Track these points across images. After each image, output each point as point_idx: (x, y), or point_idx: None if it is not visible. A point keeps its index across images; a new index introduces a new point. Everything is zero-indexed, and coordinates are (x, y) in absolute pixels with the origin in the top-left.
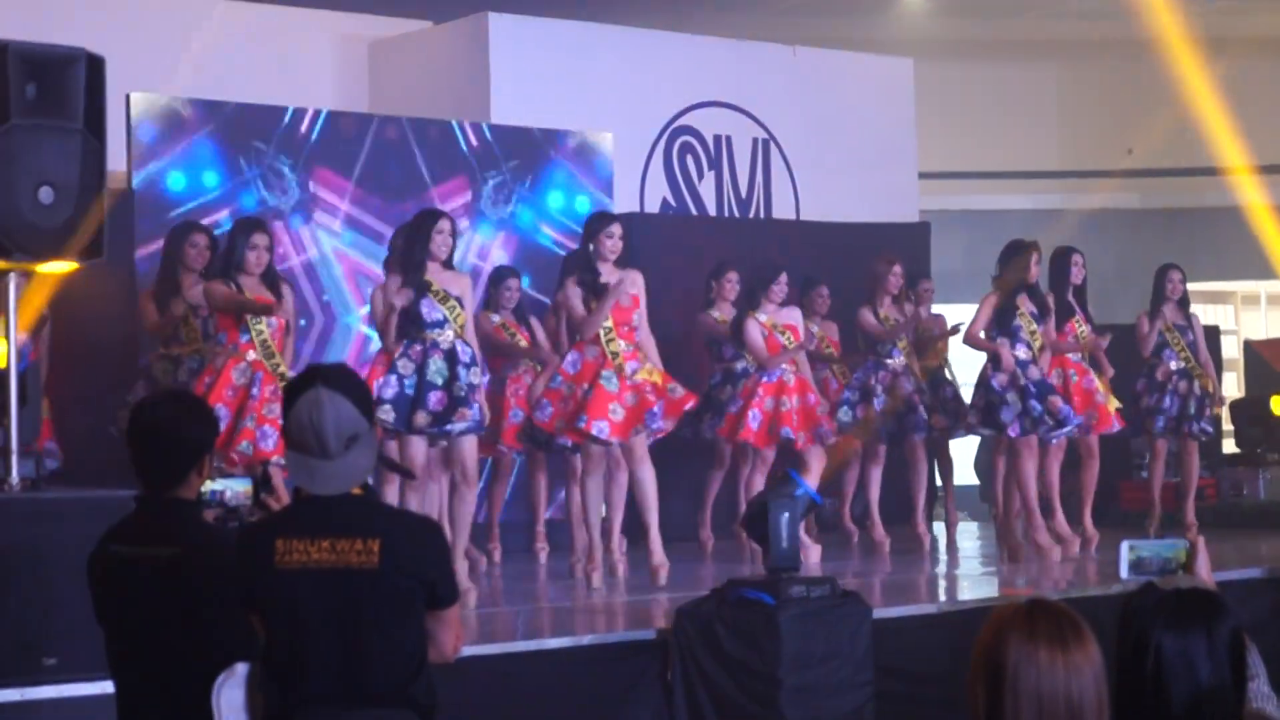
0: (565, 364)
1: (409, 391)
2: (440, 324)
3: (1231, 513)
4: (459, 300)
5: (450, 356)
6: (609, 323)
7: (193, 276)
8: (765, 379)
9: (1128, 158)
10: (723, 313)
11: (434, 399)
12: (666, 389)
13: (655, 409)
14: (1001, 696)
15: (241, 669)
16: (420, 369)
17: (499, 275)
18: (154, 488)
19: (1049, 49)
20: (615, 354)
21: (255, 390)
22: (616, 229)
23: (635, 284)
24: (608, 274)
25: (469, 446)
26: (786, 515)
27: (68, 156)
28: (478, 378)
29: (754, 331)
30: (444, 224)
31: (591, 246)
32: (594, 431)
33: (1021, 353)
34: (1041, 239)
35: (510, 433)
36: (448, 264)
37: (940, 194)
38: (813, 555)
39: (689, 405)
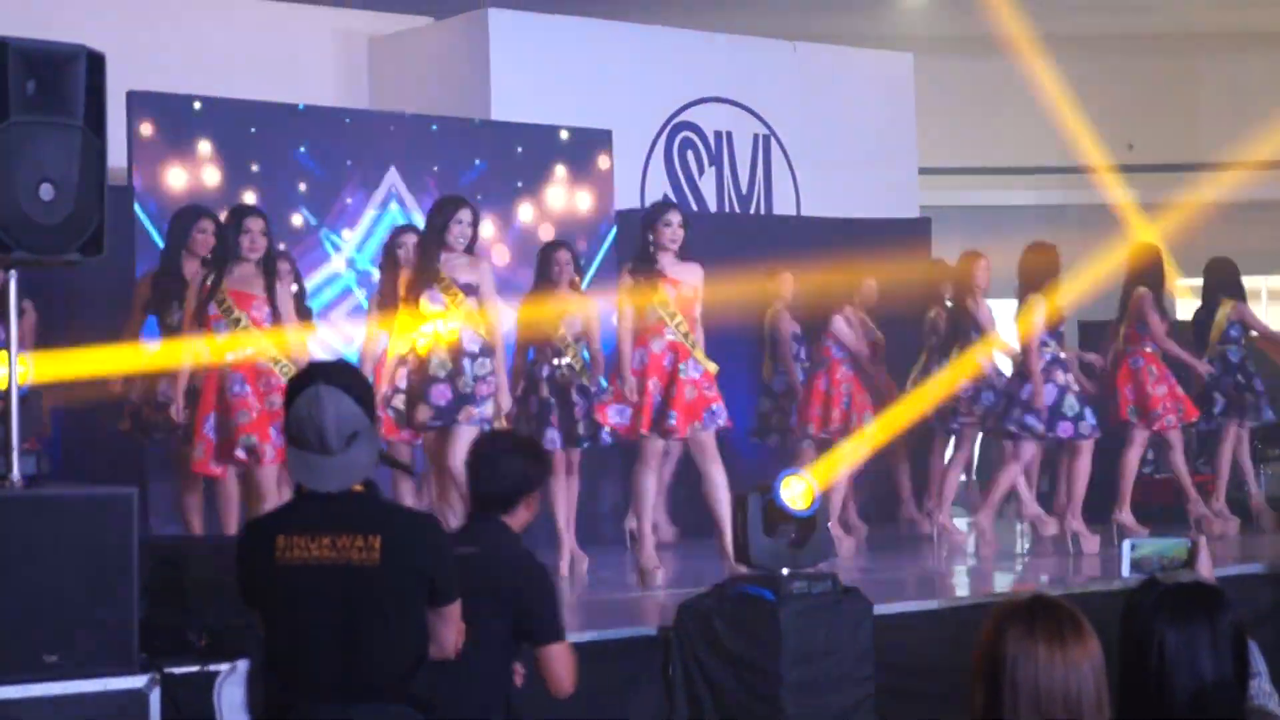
0: (632, 362)
1: (402, 388)
2: (444, 314)
3: (1232, 509)
4: (471, 286)
5: (454, 348)
6: (674, 309)
7: (196, 263)
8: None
9: (1128, 153)
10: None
11: (437, 392)
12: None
13: (715, 407)
14: (1000, 691)
15: (242, 666)
16: (423, 364)
17: None
18: (486, 509)
19: (1049, 44)
20: (687, 335)
21: (238, 388)
22: (675, 217)
23: (695, 274)
24: (667, 264)
25: (462, 441)
26: (740, 515)
27: (68, 153)
28: (487, 368)
29: (845, 327)
30: (464, 213)
31: (650, 236)
32: (688, 433)
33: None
34: (1042, 235)
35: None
36: (467, 251)
37: (940, 189)
38: (844, 548)
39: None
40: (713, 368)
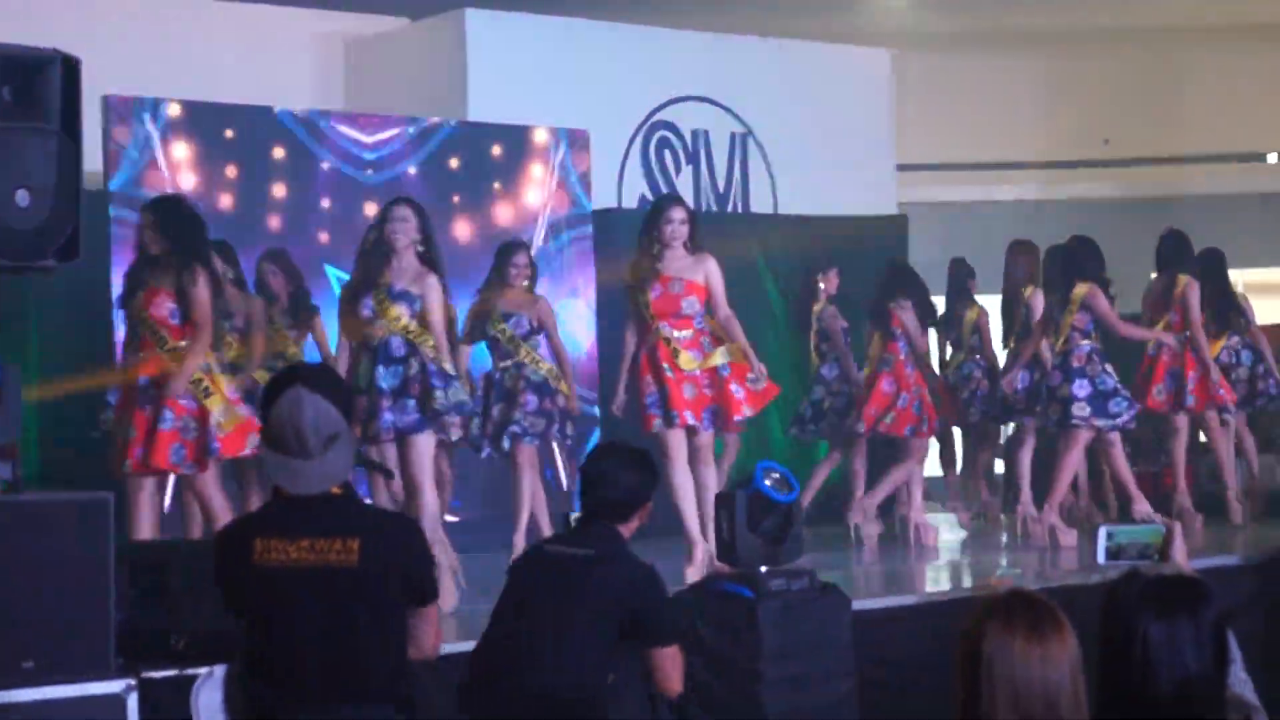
0: (628, 363)
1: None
2: (370, 320)
3: (1208, 501)
4: (407, 295)
5: (375, 354)
6: (652, 311)
7: None
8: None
9: (1105, 147)
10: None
11: (360, 404)
12: (745, 379)
13: (716, 407)
14: (978, 685)
15: (219, 670)
16: (351, 373)
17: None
18: (600, 517)
19: (1025, 39)
20: (668, 339)
21: (140, 396)
22: (676, 213)
23: (697, 270)
24: (670, 261)
25: (409, 449)
26: (725, 512)
27: (44, 158)
28: (415, 370)
29: (913, 320)
30: (398, 209)
31: (654, 233)
32: (689, 422)
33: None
34: (1019, 231)
35: None
36: (425, 257)
37: (918, 186)
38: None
39: (772, 396)
40: (714, 360)
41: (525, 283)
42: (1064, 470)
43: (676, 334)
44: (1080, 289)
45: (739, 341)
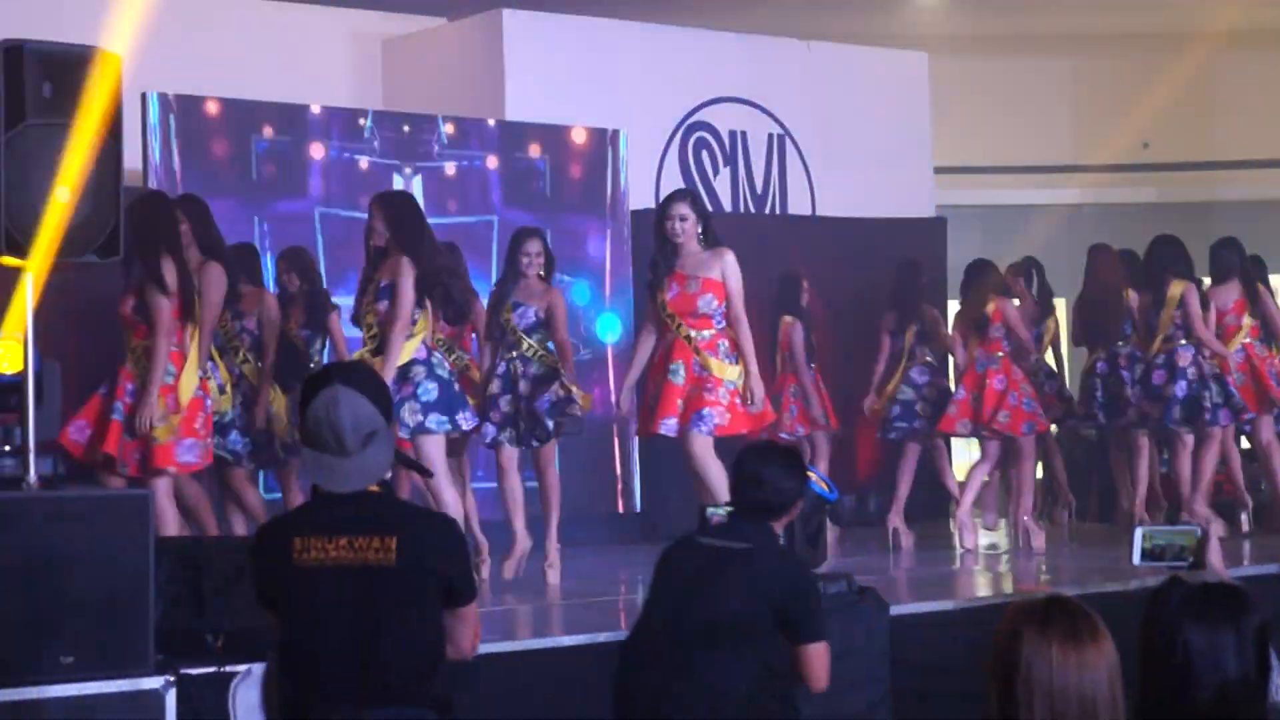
0: (640, 364)
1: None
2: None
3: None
4: (386, 288)
5: (364, 352)
6: (670, 310)
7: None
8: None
9: (1144, 151)
10: None
11: None
12: (743, 395)
13: (706, 411)
14: (1014, 692)
15: (257, 669)
16: None
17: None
18: (752, 512)
19: (1064, 42)
20: (689, 338)
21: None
22: (677, 209)
23: (713, 267)
24: (685, 258)
25: (416, 450)
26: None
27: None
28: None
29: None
30: (372, 208)
31: (662, 231)
32: (661, 430)
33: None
34: (1057, 235)
35: None
36: (396, 245)
37: (956, 188)
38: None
39: (765, 423)
40: (730, 374)
41: (538, 272)
42: (1204, 467)
43: (694, 334)
44: (1177, 287)
45: (744, 349)
